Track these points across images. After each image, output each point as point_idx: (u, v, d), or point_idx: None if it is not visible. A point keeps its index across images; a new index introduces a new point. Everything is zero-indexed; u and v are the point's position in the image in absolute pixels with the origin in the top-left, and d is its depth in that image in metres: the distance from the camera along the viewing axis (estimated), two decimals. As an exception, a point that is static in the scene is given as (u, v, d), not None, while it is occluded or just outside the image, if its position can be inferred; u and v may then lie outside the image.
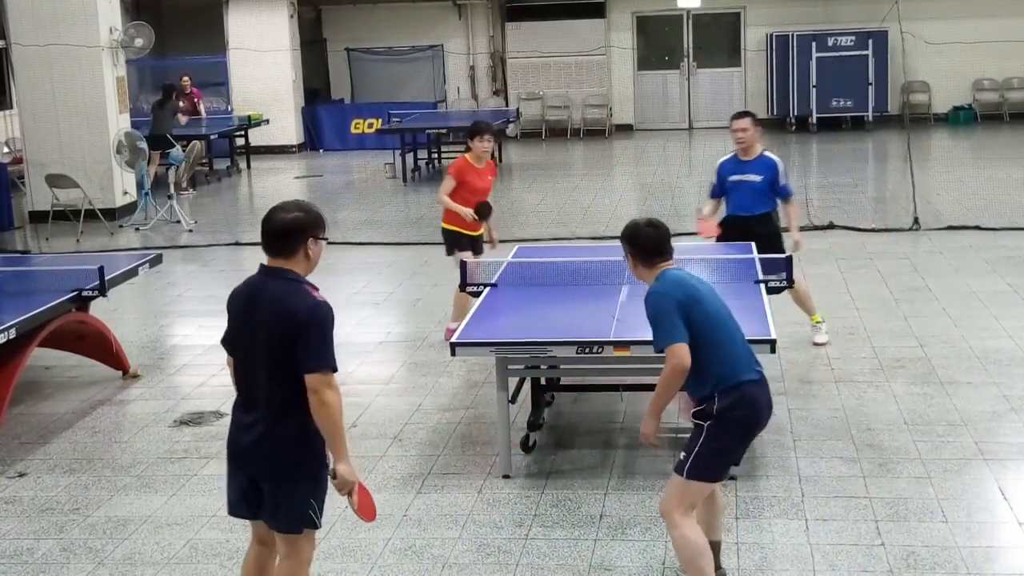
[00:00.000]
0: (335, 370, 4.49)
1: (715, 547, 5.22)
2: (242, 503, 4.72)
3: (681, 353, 4.90)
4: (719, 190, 9.02)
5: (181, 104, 19.89)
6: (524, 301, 7.51)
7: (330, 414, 4.46)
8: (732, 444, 5.02)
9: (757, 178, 8.82)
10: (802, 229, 13.00)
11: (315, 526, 4.68)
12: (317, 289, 4.59)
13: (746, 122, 8.82)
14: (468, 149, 9.39)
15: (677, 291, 5.00)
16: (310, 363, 4.44)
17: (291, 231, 4.59)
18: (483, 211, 9.30)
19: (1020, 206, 14.16)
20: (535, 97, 24.01)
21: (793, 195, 9.13)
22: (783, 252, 8.48)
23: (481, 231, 9.46)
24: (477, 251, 9.39)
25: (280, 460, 4.55)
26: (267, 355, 4.51)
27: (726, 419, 4.91)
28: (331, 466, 4.59)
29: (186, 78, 21.05)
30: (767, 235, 8.71)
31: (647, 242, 5.15)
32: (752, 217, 8.83)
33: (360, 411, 7.90)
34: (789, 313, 8.79)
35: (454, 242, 9.40)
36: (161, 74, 22.10)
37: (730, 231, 8.84)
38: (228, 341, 4.78)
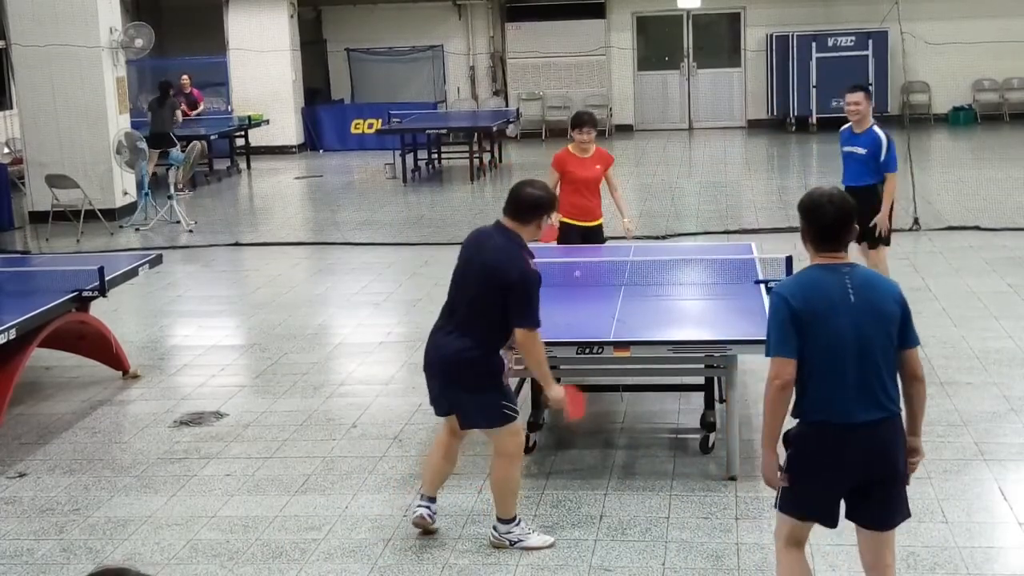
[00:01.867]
0: (538, 326, 5.47)
1: None
2: (435, 404, 5.83)
3: (782, 367, 4.34)
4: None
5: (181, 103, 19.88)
6: (524, 301, 7.48)
7: (533, 358, 5.57)
8: (808, 482, 4.43)
9: (862, 151, 9.13)
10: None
11: (511, 420, 5.61)
12: (533, 257, 5.53)
13: (857, 96, 9.13)
14: (572, 140, 9.42)
15: (798, 301, 4.36)
16: (518, 320, 5.44)
17: (534, 206, 5.57)
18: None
19: (1020, 206, 14.16)
20: (535, 97, 24.00)
21: (893, 171, 9.19)
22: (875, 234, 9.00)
23: (599, 220, 9.33)
24: (595, 242, 9.23)
25: (463, 373, 5.54)
26: (474, 292, 5.51)
27: (798, 452, 4.43)
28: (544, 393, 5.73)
29: (185, 77, 21.03)
30: (865, 212, 8.58)
31: (825, 221, 4.42)
32: (857, 188, 8.84)
33: (360, 411, 7.90)
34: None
35: (563, 236, 9.10)
36: (161, 74, 22.04)
37: None
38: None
